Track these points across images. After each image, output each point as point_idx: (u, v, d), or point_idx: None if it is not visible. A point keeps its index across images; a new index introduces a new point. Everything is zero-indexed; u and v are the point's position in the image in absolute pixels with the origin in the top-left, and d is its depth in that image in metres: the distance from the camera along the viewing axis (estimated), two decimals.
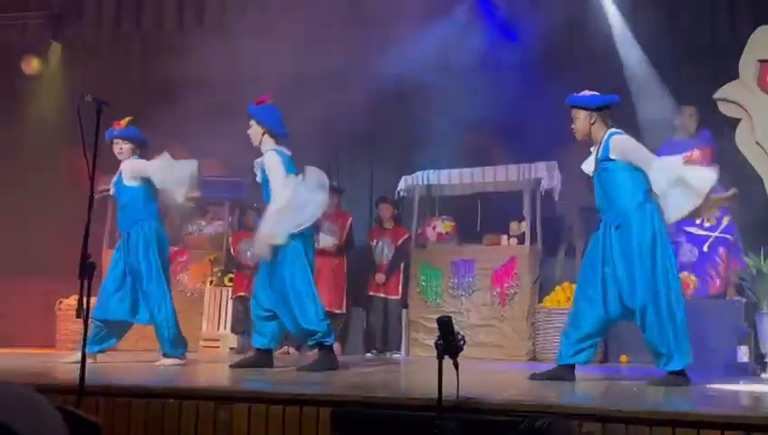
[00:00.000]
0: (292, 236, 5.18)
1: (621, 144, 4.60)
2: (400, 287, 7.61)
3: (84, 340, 3.38)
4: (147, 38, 7.75)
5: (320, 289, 7.54)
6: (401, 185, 7.86)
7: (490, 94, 7.29)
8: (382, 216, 7.82)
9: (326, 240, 7.57)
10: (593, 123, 4.67)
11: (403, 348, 7.50)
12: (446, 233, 7.55)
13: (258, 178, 5.43)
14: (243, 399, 3.45)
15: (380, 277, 7.58)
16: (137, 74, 8.13)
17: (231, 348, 7.70)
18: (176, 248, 8.28)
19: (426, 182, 7.75)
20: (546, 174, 7.12)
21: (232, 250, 8.00)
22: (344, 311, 7.60)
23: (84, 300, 3.44)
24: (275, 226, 5.14)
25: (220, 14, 7.26)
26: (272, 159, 5.27)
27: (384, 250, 7.66)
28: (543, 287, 7.27)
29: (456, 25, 7.70)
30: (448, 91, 7.49)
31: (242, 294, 7.82)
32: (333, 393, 3.47)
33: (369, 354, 7.48)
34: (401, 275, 7.63)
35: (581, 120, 4.71)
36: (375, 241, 7.71)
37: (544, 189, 7.17)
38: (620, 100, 4.89)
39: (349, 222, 7.73)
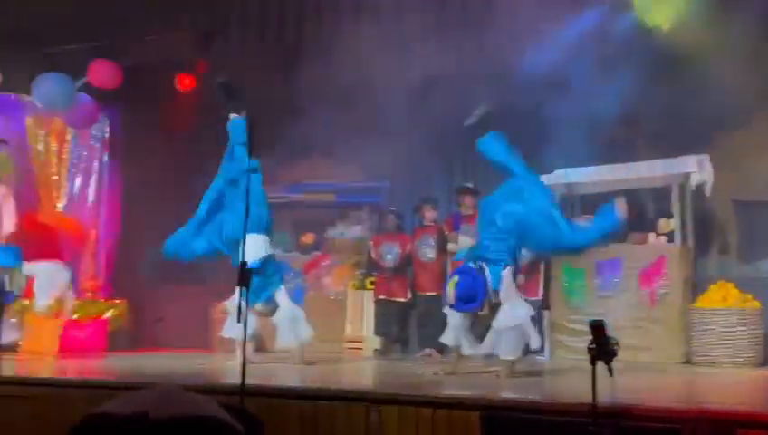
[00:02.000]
0: None
1: None
2: (540, 288, 7.47)
3: (244, 343, 3.54)
4: (288, 50, 8.02)
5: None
6: None
7: (631, 84, 7.03)
8: None
9: (465, 242, 7.56)
10: None
11: (546, 351, 7.35)
12: None
13: None
14: (392, 401, 3.50)
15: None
16: (280, 85, 8.43)
17: (375, 349, 7.83)
18: (319, 253, 8.54)
19: (565, 181, 7.57)
20: (697, 168, 6.79)
21: (372, 253, 8.14)
22: (487, 312, 7.55)
23: (242, 305, 3.59)
24: None
25: (355, 22, 7.41)
26: None
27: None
28: (698, 287, 6.92)
29: (596, 14, 7.46)
30: (585, 83, 7.28)
31: (382, 297, 7.94)
32: (482, 397, 3.46)
33: None
34: (541, 277, 7.48)
35: None
36: None
37: (695, 184, 6.83)
38: None
39: None
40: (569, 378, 5.33)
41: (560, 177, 7.57)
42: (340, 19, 7.43)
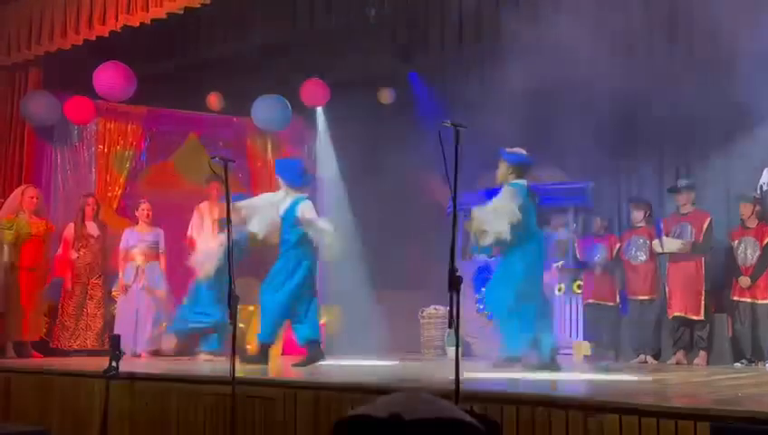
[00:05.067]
0: None
1: None
2: None
3: (457, 349, 3.59)
4: (485, 56, 8.06)
5: (674, 293, 7.19)
6: (764, 178, 7.16)
7: None
8: (743, 214, 7.17)
9: (674, 243, 7.17)
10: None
11: None
12: None
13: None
14: (613, 410, 3.39)
15: (745, 281, 6.96)
16: (477, 91, 8.49)
17: (585, 355, 7.63)
18: None
19: None
20: None
21: (578, 256, 7.95)
22: (702, 317, 7.09)
23: (454, 311, 3.64)
24: None
25: (554, 17, 7.30)
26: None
27: (747, 251, 7.01)
28: None
29: None
30: None
31: (591, 301, 7.73)
32: (712, 408, 3.26)
33: (737, 364, 6.90)
34: None
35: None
36: (737, 241, 7.10)
37: None
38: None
39: (707, 221, 7.23)
40: None
41: None
42: (539, 16, 7.34)
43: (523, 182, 6.12)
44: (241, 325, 7.72)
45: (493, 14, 7.74)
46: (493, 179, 8.88)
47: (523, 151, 6.17)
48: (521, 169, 6.15)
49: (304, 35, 8.62)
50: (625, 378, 5.21)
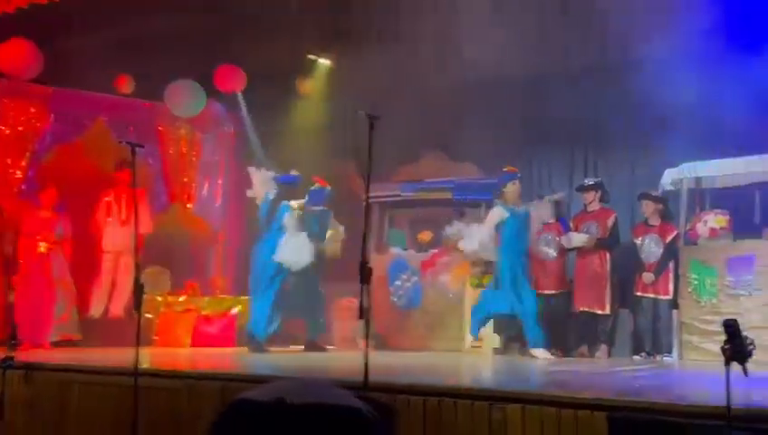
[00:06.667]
0: None
1: None
2: (671, 287, 7.18)
3: (366, 339, 3.60)
4: (406, 52, 8.08)
5: (579, 288, 7.40)
6: (665, 178, 7.43)
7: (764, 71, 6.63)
8: (645, 211, 7.44)
9: (580, 239, 7.37)
10: None
11: (675, 351, 7.07)
12: (720, 228, 6.98)
13: None
14: (516, 400, 3.47)
15: (648, 277, 7.21)
16: (395, 85, 8.51)
17: (494, 348, 7.76)
18: (436, 250, 8.56)
19: (693, 174, 7.26)
20: None
21: None
22: (607, 311, 7.33)
23: (363, 301, 3.65)
24: None
25: (468, 16, 7.39)
26: None
27: (651, 248, 7.28)
28: None
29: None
30: (710, 72, 6.91)
31: None
32: (610, 397, 3.37)
33: (637, 357, 7.15)
34: (671, 274, 7.19)
35: None
36: (640, 239, 7.36)
37: None
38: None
39: (612, 218, 7.46)
40: (699, 380, 5.12)
41: (686, 170, 7.27)
42: (455, 13, 7.43)
43: (285, 203, 7.21)
44: (148, 315, 7.53)
45: (411, 10, 7.78)
46: (410, 172, 8.99)
47: (292, 173, 7.17)
48: (286, 188, 7.22)
49: (223, 20, 8.45)
50: (529, 370, 5.33)
